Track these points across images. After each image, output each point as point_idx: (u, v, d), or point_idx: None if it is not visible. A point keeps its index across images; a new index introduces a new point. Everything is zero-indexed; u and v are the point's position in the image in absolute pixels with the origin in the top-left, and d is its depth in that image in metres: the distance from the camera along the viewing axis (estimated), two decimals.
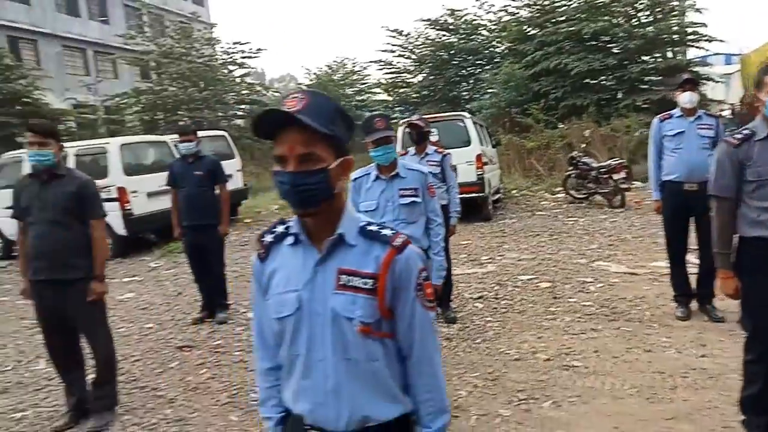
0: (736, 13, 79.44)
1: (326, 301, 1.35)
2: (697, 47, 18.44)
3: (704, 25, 17.11)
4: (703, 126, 4.57)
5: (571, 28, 16.28)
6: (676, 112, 4.68)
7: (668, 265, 4.89)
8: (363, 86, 24.08)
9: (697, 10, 17.70)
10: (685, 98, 4.58)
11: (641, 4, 17.03)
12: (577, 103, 16.07)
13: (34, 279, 3.52)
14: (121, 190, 8.98)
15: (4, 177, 10.02)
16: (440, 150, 5.29)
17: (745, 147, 2.78)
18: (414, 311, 1.38)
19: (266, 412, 1.55)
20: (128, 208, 9.06)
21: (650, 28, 16.42)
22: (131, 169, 9.28)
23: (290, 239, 1.42)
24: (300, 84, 28.97)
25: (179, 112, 20.78)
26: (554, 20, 17.58)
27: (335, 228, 1.37)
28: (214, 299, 5.69)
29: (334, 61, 24.50)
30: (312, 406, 1.38)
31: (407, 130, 5.68)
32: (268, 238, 1.47)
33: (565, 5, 18.03)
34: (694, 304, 4.76)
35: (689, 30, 17.24)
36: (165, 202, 9.30)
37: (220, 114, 20.58)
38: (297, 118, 1.26)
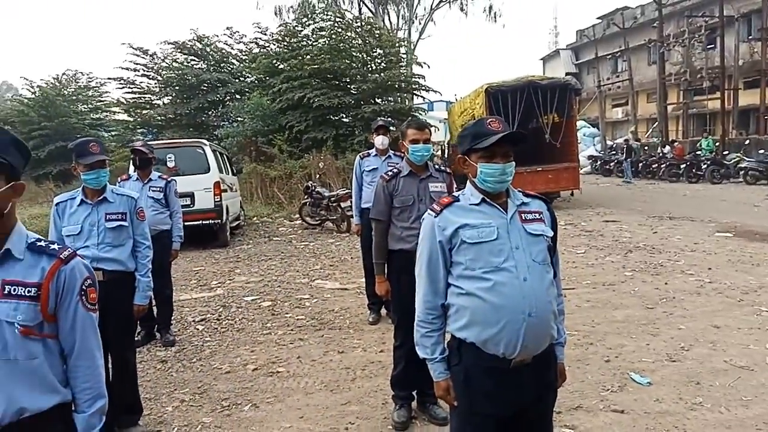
0: (459, 69, 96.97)
1: None
2: (417, 95, 21.57)
3: (423, 77, 20.19)
4: (392, 164, 5.55)
5: (314, 66, 17.57)
6: (373, 151, 5.68)
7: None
8: (100, 104, 22.14)
9: (419, 64, 20.88)
10: (378, 141, 5.60)
11: (375, 52, 19.24)
12: (318, 136, 17.30)
13: None
14: None
15: None
16: (164, 176, 5.48)
17: (393, 182, 3.58)
18: (76, 313, 1.58)
19: None
20: None
21: (382, 75, 18.66)
22: None
23: None
24: (20, 95, 25.31)
25: None
26: (300, 57, 18.77)
27: (3, 245, 1.52)
28: None
29: (64, 75, 22.02)
30: None
31: (132, 156, 5.67)
32: None
33: (312, 44, 19.36)
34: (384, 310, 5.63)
35: (412, 80, 20.08)
36: None
37: None
38: None
